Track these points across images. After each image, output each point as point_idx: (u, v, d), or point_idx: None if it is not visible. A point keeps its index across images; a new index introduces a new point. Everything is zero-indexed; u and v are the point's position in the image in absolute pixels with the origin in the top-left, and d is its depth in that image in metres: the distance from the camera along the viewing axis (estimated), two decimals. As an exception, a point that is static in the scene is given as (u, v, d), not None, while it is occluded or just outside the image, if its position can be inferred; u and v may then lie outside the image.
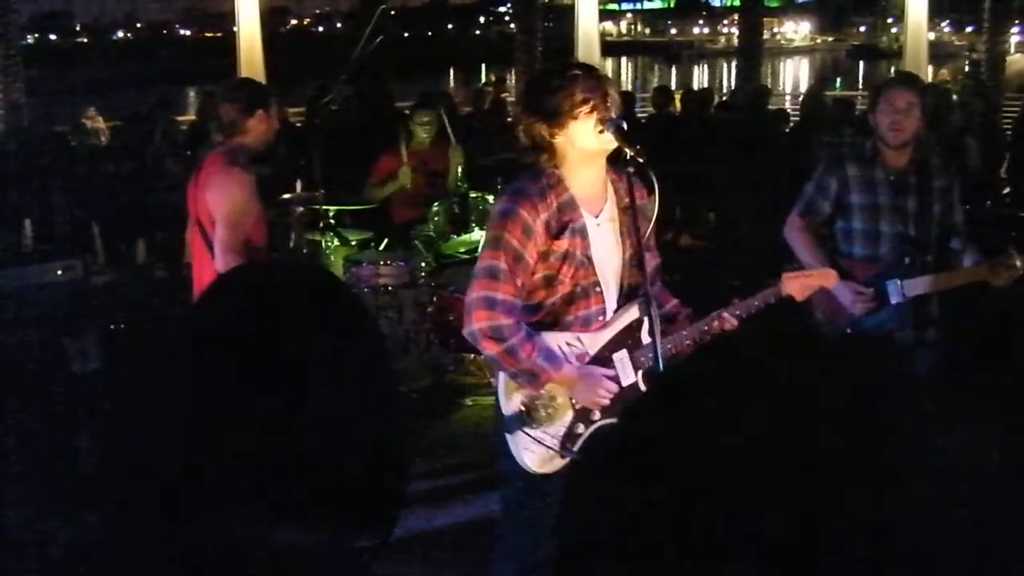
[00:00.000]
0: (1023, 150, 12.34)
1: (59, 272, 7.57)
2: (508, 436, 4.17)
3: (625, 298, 4.15)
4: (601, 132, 3.93)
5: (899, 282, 5.42)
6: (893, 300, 5.42)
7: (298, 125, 13.73)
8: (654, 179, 3.97)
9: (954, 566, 0.82)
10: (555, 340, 4.08)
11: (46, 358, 7.08)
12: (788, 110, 16.55)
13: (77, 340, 7.18)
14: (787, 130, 13.76)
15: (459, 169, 9.50)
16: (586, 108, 3.94)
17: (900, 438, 0.85)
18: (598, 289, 4.11)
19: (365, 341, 1.52)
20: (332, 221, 9.30)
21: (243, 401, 1.37)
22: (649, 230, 4.20)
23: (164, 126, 13.02)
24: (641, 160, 3.92)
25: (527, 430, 4.13)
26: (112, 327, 7.76)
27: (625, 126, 3.91)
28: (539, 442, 4.11)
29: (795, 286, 4.26)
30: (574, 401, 4.11)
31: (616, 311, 4.16)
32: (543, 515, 4.20)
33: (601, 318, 4.12)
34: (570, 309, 4.09)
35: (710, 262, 10.65)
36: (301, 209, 9.37)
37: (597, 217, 4.10)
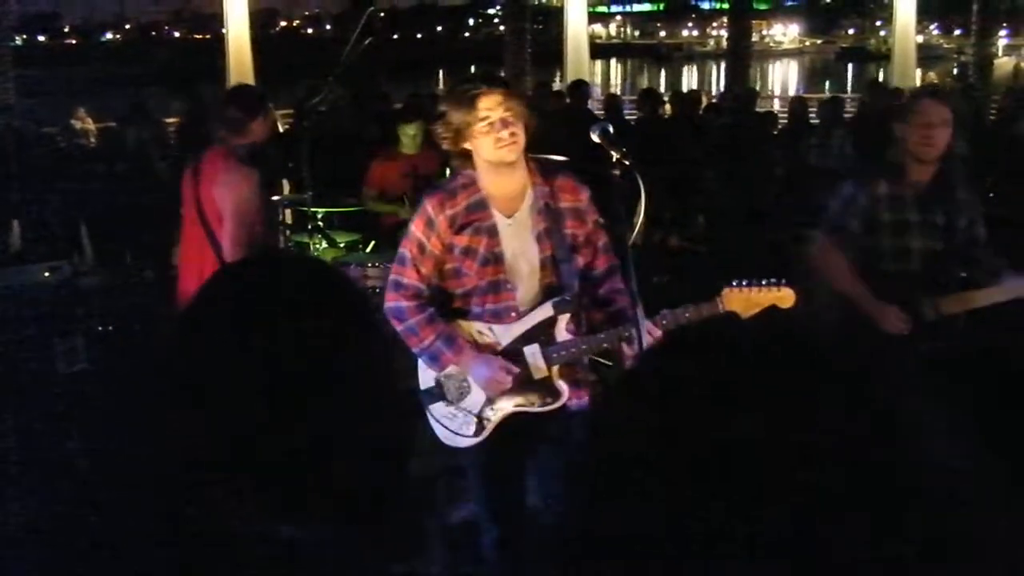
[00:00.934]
0: (1008, 151, 12.36)
1: (47, 273, 7.57)
2: (426, 408, 4.51)
3: (543, 296, 4.37)
4: (500, 147, 4.18)
5: (933, 300, 5.23)
6: (928, 319, 5.21)
7: (286, 127, 13.71)
8: (640, 181, 4.12)
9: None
10: (467, 328, 4.40)
11: (33, 358, 7.08)
12: (776, 112, 16.57)
13: (64, 340, 7.19)
14: (775, 132, 13.77)
15: (447, 171, 9.51)
16: (483, 126, 4.19)
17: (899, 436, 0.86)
18: (508, 285, 4.36)
19: (369, 336, 1.51)
20: (320, 223, 9.31)
21: (244, 393, 1.37)
22: (584, 231, 4.43)
23: (151, 128, 13.01)
24: (627, 163, 4.05)
25: (438, 405, 4.48)
26: (100, 328, 7.77)
27: (610, 128, 4.06)
28: (450, 418, 4.46)
29: (739, 303, 4.27)
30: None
31: (532, 306, 4.38)
32: (477, 493, 4.65)
33: (513, 313, 4.37)
34: (478, 301, 4.39)
35: (699, 264, 10.65)
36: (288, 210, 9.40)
37: (510, 218, 4.36)
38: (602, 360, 5.82)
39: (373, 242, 9.50)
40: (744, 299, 4.25)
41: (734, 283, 4.29)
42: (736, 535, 0.86)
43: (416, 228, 4.37)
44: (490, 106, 4.18)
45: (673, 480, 0.90)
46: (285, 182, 11.48)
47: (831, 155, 12.24)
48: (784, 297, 4.31)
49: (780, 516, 0.86)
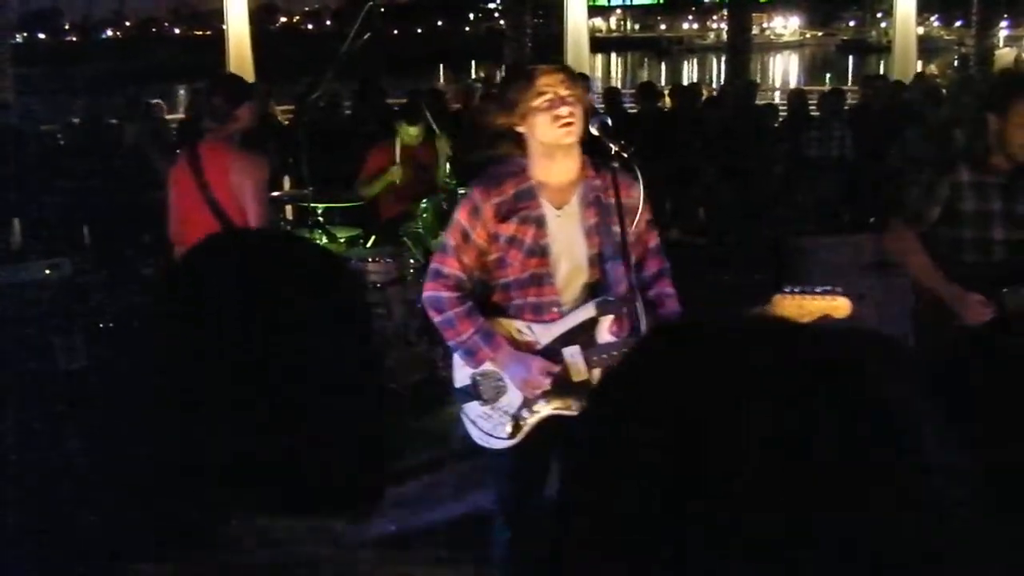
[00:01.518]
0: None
1: (47, 271, 7.57)
2: (461, 407, 4.42)
3: (587, 295, 4.20)
4: (559, 127, 4.02)
5: (1018, 292, 4.95)
6: (1011, 310, 4.97)
7: (286, 122, 13.70)
8: (639, 173, 4.04)
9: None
10: (507, 326, 4.25)
11: (33, 356, 7.08)
12: (777, 105, 16.55)
13: (65, 338, 7.19)
14: (776, 125, 13.75)
15: (447, 163, 9.49)
16: (541, 101, 4.05)
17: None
18: (551, 279, 4.20)
19: (354, 320, 1.50)
20: (320, 218, 9.30)
21: (222, 380, 1.36)
22: (636, 230, 4.24)
23: (150, 125, 12.99)
24: (626, 155, 3.98)
25: (472, 404, 4.35)
26: (101, 325, 7.76)
27: (609, 121, 3.97)
28: (485, 418, 4.33)
29: (791, 310, 4.05)
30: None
31: (575, 306, 4.22)
32: (502, 493, 4.54)
33: (555, 309, 4.21)
34: (520, 294, 4.22)
35: (700, 256, 10.65)
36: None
37: (560, 209, 4.19)
38: None
39: (373, 237, 9.49)
40: (796, 306, 4.05)
41: (787, 289, 4.10)
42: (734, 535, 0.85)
43: (461, 216, 4.24)
44: (550, 83, 4.06)
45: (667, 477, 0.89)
46: (285, 178, 11.48)
47: (831, 148, 12.23)
48: (839, 307, 4.08)
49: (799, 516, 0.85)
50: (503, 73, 22.50)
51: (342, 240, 9.29)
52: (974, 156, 5.18)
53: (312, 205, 9.10)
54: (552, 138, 4.07)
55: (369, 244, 9.36)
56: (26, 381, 6.93)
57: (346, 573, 1.48)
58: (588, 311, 4.17)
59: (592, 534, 0.93)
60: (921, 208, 5.24)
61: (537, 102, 4.05)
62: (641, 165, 4.11)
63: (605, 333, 4.16)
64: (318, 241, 9.02)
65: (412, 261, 8.58)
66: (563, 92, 4.04)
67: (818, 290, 4.09)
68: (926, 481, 0.88)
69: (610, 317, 4.16)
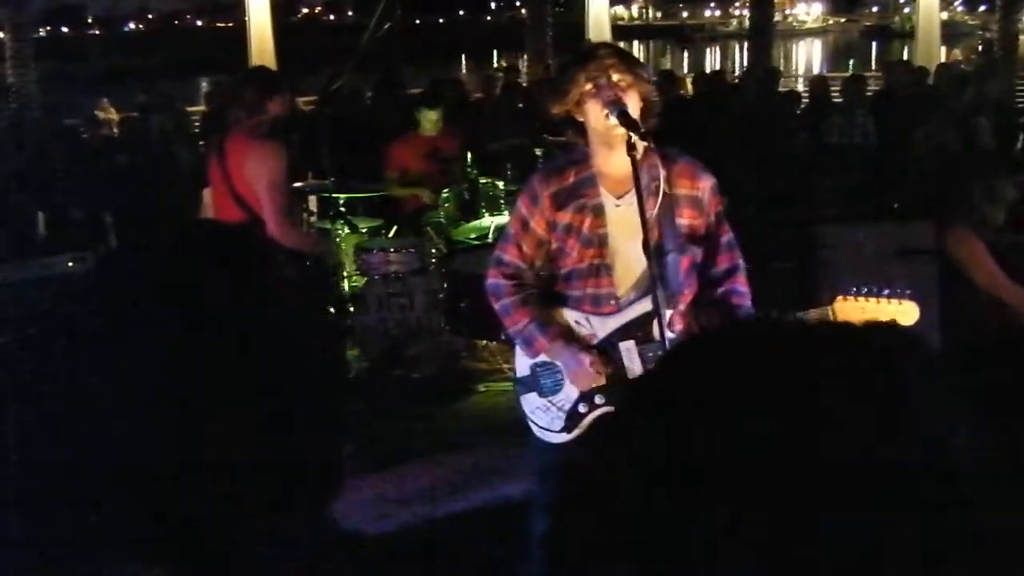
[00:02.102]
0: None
1: (70, 264, 7.59)
2: (519, 398, 4.35)
3: (647, 288, 4.01)
4: (607, 115, 3.89)
5: None
6: None
7: (309, 113, 13.72)
8: (660, 164, 3.98)
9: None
10: (566, 317, 4.17)
11: (57, 349, 7.09)
12: (800, 92, 16.48)
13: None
14: (798, 111, 13.70)
15: (467, 154, 9.50)
16: (588, 89, 3.94)
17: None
18: (608, 271, 4.09)
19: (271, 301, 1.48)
20: (343, 209, 9.32)
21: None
22: (704, 223, 4.13)
23: (174, 117, 13.03)
24: (646, 144, 3.91)
25: (531, 396, 4.28)
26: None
27: (628, 110, 3.87)
28: (543, 411, 4.25)
29: (853, 314, 3.79)
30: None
31: (634, 299, 4.12)
32: (547, 485, 4.36)
33: (613, 302, 4.11)
34: (578, 284, 4.14)
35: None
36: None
37: (619, 199, 4.08)
38: None
39: (395, 227, 9.50)
40: (859, 310, 3.85)
41: (853, 289, 3.90)
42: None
43: (521, 204, 4.20)
44: (601, 68, 3.94)
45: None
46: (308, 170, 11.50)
47: (854, 134, 12.17)
48: (907, 311, 3.86)
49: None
50: (525, 62, 22.53)
51: (364, 230, 9.31)
52: None
53: (334, 196, 9.11)
54: (601, 126, 3.95)
55: (391, 234, 9.37)
56: (52, 374, 6.95)
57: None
58: (645, 305, 4.03)
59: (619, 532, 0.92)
60: (985, 211, 5.00)
61: (587, 88, 3.95)
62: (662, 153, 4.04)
63: (664, 329, 3.96)
64: (340, 231, 9.04)
65: (434, 251, 8.58)
66: (615, 77, 3.94)
67: (885, 292, 3.89)
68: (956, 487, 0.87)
69: (669, 313, 4.00)
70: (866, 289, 3.89)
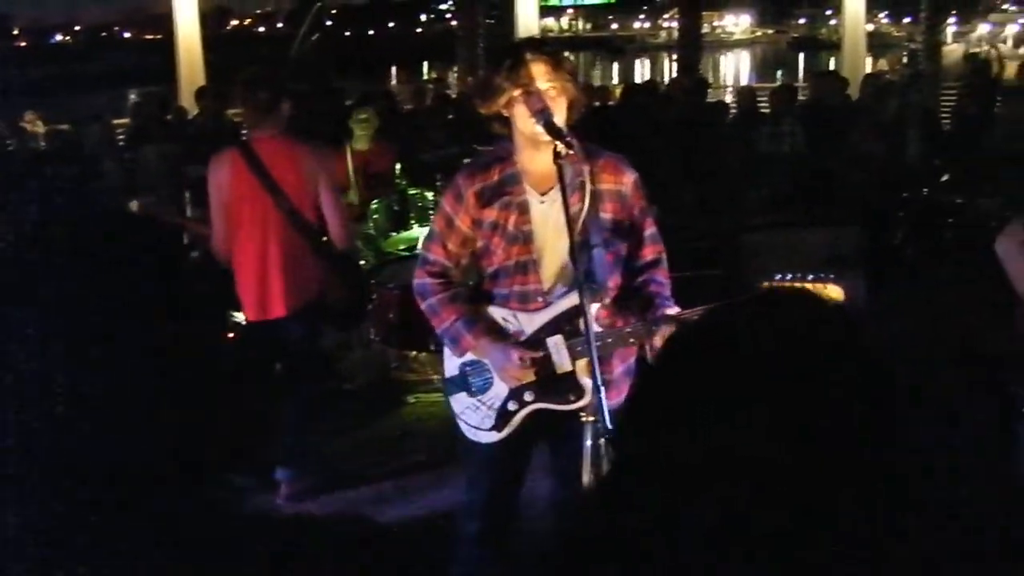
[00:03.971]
0: (960, 138, 12.45)
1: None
2: (448, 398, 4.33)
3: (574, 283, 3.97)
4: (534, 122, 3.89)
5: None
6: None
7: (235, 124, 13.63)
8: (583, 160, 3.97)
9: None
10: (494, 315, 4.16)
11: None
12: (728, 101, 16.61)
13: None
14: (727, 121, 13.81)
15: (397, 165, 9.47)
16: (517, 95, 3.93)
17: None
18: (535, 267, 4.08)
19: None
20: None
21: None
22: (628, 216, 4.14)
23: (102, 129, 12.90)
24: (571, 152, 3.87)
25: (460, 395, 4.26)
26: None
27: (553, 119, 3.86)
28: (473, 410, 4.23)
29: None
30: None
31: (561, 294, 4.08)
32: (478, 484, 4.37)
33: (540, 298, 4.09)
34: (505, 282, 4.13)
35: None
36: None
37: (544, 195, 4.07)
38: None
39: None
40: None
41: (777, 276, 3.92)
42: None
43: (446, 203, 4.19)
44: (533, 74, 3.92)
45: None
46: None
47: (783, 143, 12.28)
48: (832, 294, 3.87)
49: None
50: (456, 73, 22.55)
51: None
52: None
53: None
54: (531, 131, 3.94)
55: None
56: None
57: None
58: (572, 299, 4.00)
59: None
60: None
61: (517, 94, 3.93)
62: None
63: (591, 322, 3.82)
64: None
65: (364, 263, 8.54)
66: (544, 83, 3.93)
67: (810, 277, 3.93)
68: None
69: (595, 306, 3.95)
70: (790, 276, 3.92)
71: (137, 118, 14.50)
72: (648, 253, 4.20)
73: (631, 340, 4.03)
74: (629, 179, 4.14)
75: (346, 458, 6.88)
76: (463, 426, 4.30)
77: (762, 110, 13.94)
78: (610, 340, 4.01)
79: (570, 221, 3.87)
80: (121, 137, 13.82)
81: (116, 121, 14.56)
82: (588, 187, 4.02)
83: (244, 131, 11.39)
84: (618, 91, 15.88)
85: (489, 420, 4.20)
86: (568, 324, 4.06)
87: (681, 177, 11.85)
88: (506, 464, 4.30)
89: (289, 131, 6.22)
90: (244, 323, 6.72)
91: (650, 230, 4.22)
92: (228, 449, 6.58)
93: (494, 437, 4.20)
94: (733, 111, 14.66)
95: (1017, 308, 4.80)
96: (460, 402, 4.29)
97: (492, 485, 4.35)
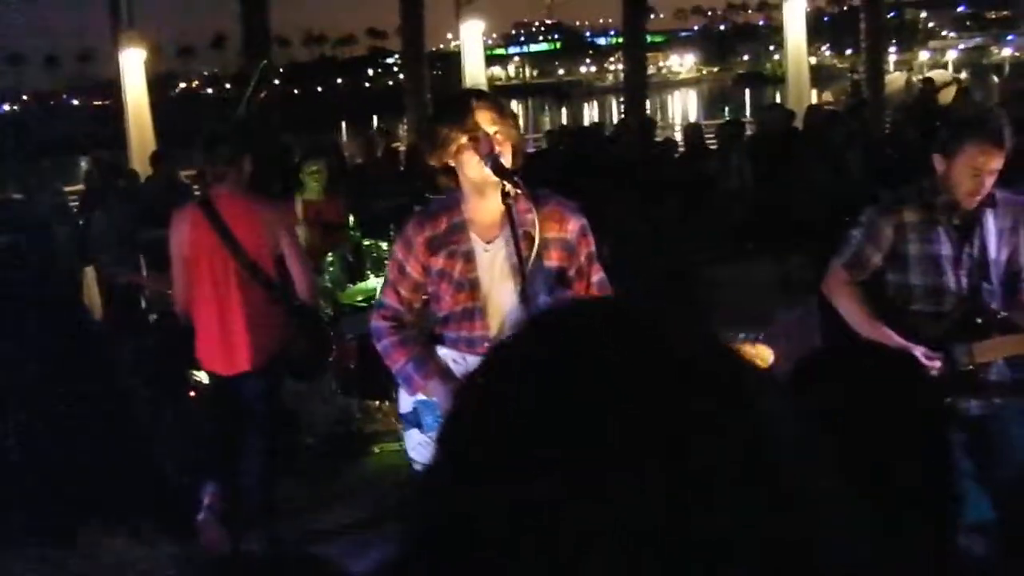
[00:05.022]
0: (904, 164, 12.62)
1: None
2: (404, 433, 4.51)
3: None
4: (483, 166, 3.96)
5: (968, 347, 4.58)
6: (961, 367, 4.56)
7: (188, 185, 13.63)
8: (534, 211, 4.03)
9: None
10: (446, 355, 4.29)
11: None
12: (676, 139, 16.74)
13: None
14: (675, 157, 13.93)
15: (350, 217, 9.49)
16: (465, 142, 4.01)
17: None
18: (481, 314, 4.18)
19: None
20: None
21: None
22: (575, 264, 4.21)
23: (51, 196, 12.86)
24: (520, 192, 3.95)
25: (412, 432, 4.43)
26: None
27: (501, 160, 3.94)
28: (424, 447, 4.35)
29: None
30: None
31: None
32: None
33: (486, 344, 4.16)
34: (453, 327, 4.25)
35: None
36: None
37: (489, 244, 4.16)
38: None
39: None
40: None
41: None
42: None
43: (398, 251, 4.31)
44: (479, 121, 4.00)
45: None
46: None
47: (731, 177, 12.41)
48: (760, 354, 3.95)
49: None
50: (405, 126, 22.64)
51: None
52: (918, 193, 4.76)
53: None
54: (479, 177, 4.02)
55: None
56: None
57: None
58: None
59: None
60: (862, 251, 4.85)
61: (464, 141, 4.01)
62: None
63: None
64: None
65: (321, 315, 8.55)
66: (491, 129, 4.00)
67: (741, 336, 4.04)
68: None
69: None
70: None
71: (89, 183, 14.45)
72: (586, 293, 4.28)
73: None
74: (575, 226, 4.21)
75: (309, 512, 6.86)
76: (415, 463, 4.45)
77: (710, 145, 14.08)
78: None
79: (521, 263, 3.99)
80: (74, 203, 13.78)
81: (68, 188, 14.53)
82: (534, 235, 4.09)
83: (197, 190, 11.46)
84: (566, 135, 15.97)
85: None
86: None
87: (631, 215, 11.95)
88: None
89: (247, 187, 6.27)
90: (207, 381, 6.73)
91: (597, 276, 4.31)
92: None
93: None
94: (682, 148, 14.79)
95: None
96: (412, 438, 4.44)
97: None
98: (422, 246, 4.20)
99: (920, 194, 4.72)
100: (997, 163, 4.51)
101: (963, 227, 4.67)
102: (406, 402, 4.43)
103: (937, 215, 4.68)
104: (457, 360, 4.25)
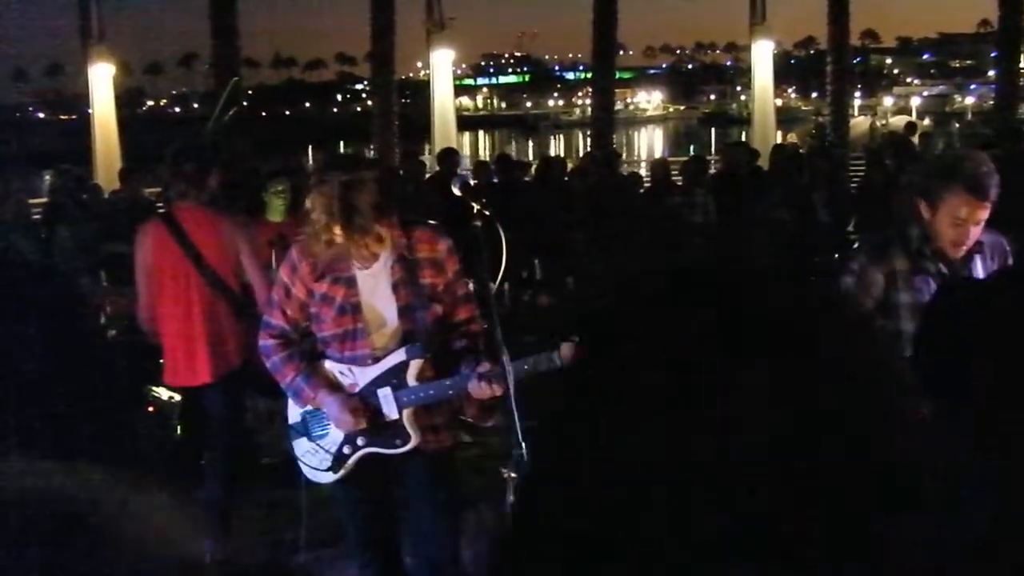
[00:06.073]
0: (868, 206, 12.75)
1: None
2: (292, 442, 4.82)
3: (400, 342, 4.52)
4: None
5: None
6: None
7: (152, 201, 13.60)
8: (500, 229, 4.24)
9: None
10: (331, 368, 4.62)
11: None
12: (641, 173, 16.85)
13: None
14: (640, 192, 14.02)
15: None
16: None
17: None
18: (363, 334, 4.53)
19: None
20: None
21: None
22: (444, 281, 4.57)
23: (14, 208, 12.80)
24: (487, 213, 4.16)
25: (301, 440, 4.76)
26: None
27: (470, 181, 4.12)
28: (312, 454, 4.71)
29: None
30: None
31: (389, 351, 4.54)
32: (345, 523, 4.96)
33: (370, 361, 4.54)
34: (337, 347, 4.59)
35: (568, 321, 10.77)
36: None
37: (368, 269, 4.50)
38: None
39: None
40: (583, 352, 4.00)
41: (574, 338, 4.12)
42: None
43: (283, 274, 4.61)
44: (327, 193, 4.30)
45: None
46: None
47: (696, 213, 12.49)
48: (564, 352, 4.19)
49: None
50: (372, 152, 22.66)
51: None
52: (907, 243, 4.69)
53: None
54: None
55: (240, 320, 9.30)
56: None
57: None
58: (399, 356, 4.50)
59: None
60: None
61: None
62: (502, 222, 4.28)
63: (415, 376, 4.49)
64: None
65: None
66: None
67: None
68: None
69: (419, 361, 4.49)
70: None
71: (53, 196, 14.40)
72: (462, 313, 4.69)
73: (450, 392, 4.50)
74: (443, 246, 4.60)
75: (265, 530, 6.84)
76: (304, 468, 4.79)
77: (675, 181, 14.17)
78: (432, 392, 4.51)
79: (400, 283, 4.48)
80: (37, 216, 13.72)
81: (32, 201, 14.46)
82: (407, 257, 4.50)
83: (161, 206, 11.43)
84: (533, 167, 16.04)
85: (326, 462, 4.68)
86: (395, 377, 4.54)
87: (594, 249, 12.03)
88: (356, 503, 4.78)
89: (211, 204, 6.32)
90: (165, 397, 6.74)
91: (462, 291, 4.70)
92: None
93: (330, 477, 4.70)
94: (647, 183, 14.88)
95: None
96: (301, 446, 4.77)
97: (359, 526, 4.82)
98: (307, 270, 4.52)
99: (908, 241, 4.68)
100: (981, 215, 4.47)
101: (952, 276, 4.59)
102: (295, 413, 4.77)
103: (926, 263, 4.64)
104: (344, 372, 4.61)
